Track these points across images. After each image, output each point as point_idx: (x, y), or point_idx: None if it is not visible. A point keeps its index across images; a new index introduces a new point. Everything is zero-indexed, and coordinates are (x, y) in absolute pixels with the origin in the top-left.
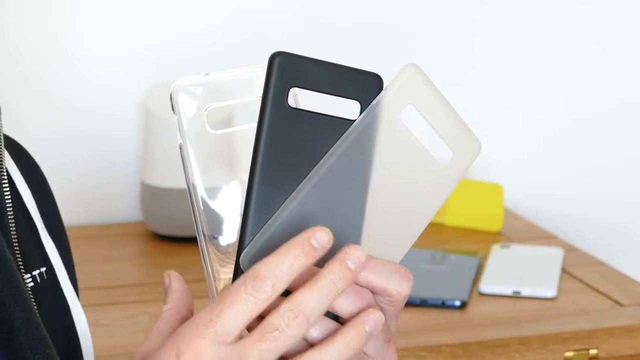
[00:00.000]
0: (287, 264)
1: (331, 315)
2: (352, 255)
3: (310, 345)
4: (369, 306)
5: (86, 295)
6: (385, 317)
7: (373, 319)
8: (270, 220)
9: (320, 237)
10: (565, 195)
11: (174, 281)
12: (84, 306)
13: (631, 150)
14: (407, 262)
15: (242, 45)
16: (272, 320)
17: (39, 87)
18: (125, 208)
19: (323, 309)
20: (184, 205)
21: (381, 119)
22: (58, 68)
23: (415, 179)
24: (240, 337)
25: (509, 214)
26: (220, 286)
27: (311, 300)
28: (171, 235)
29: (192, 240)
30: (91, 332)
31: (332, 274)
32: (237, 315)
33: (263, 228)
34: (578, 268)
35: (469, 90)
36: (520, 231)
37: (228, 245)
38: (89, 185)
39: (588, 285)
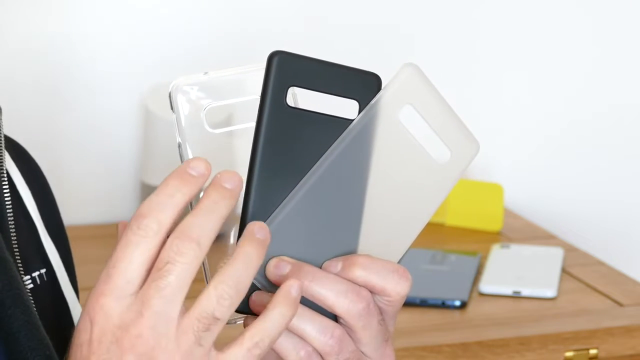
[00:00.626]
0: (166, 195)
1: (331, 315)
2: (224, 176)
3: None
4: (367, 305)
5: (86, 296)
6: (383, 316)
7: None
8: (268, 219)
9: (195, 165)
10: (565, 195)
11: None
12: (83, 307)
13: (631, 150)
14: (407, 262)
15: (242, 45)
16: (162, 254)
17: (38, 87)
18: (125, 208)
19: (211, 229)
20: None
21: (379, 119)
22: (58, 68)
23: (413, 178)
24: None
25: (509, 214)
26: None
27: (195, 223)
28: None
29: None
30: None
31: (210, 195)
32: (130, 260)
33: None
34: (578, 268)
35: (469, 90)
36: (520, 231)
37: (228, 247)
38: (89, 185)
39: (588, 285)
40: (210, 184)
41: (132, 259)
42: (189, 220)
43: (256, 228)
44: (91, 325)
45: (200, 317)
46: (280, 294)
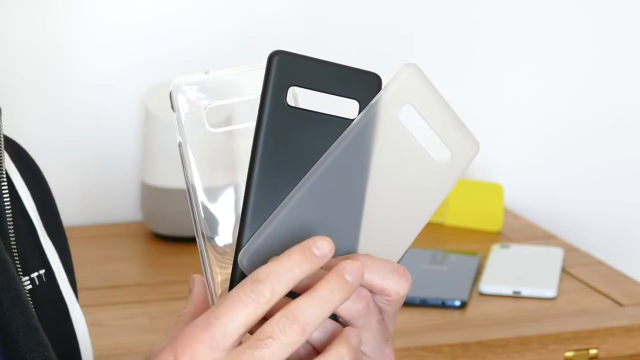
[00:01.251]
0: (286, 269)
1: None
2: (348, 268)
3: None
4: (367, 305)
5: (86, 296)
6: (383, 316)
7: (351, 267)
8: (268, 219)
9: (321, 246)
10: (565, 195)
11: (197, 286)
12: (83, 306)
13: (631, 150)
14: (407, 262)
15: (242, 44)
16: (266, 327)
17: (39, 87)
18: (125, 208)
19: (320, 318)
20: (184, 205)
21: (380, 119)
22: (57, 68)
23: (413, 178)
24: (240, 343)
25: (509, 214)
26: (218, 289)
27: (307, 309)
28: (171, 235)
29: (192, 240)
30: (91, 332)
31: (329, 284)
32: (235, 319)
33: (261, 227)
34: (578, 268)
35: (469, 91)
36: (520, 231)
37: (225, 246)
38: (89, 185)
39: (588, 285)
40: (333, 271)
41: (236, 317)
42: (302, 303)
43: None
44: None
45: None
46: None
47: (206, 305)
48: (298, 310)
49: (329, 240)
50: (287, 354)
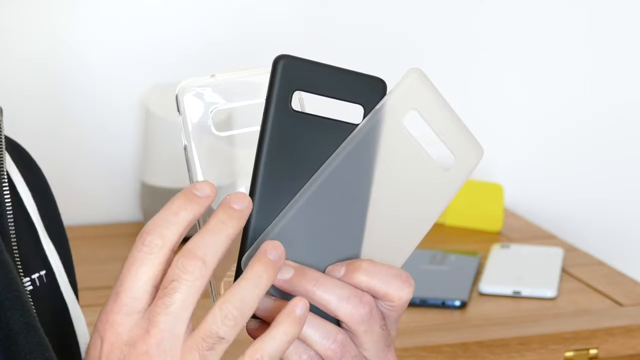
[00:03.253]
0: (171, 213)
1: (334, 320)
2: (233, 198)
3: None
4: (370, 310)
5: (86, 295)
6: (385, 321)
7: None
8: (272, 223)
9: (201, 187)
10: (565, 195)
11: None
12: (83, 306)
13: (631, 150)
14: (407, 262)
15: (243, 44)
16: (168, 273)
17: (39, 87)
18: (125, 208)
19: (217, 248)
20: None
21: (384, 124)
22: (58, 68)
23: (417, 183)
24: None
25: (509, 214)
26: (222, 288)
27: (201, 242)
28: None
29: None
30: (90, 332)
31: (217, 215)
32: (136, 278)
33: (264, 232)
34: (578, 268)
35: (470, 91)
36: (520, 231)
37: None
38: (89, 185)
39: (588, 285)
40: (219, 205)
41: (138, 277)
42: (195, 239)
43: (269, 248)
44: (101, 342)
45: (205, 337)
46: (285, 312)
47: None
48: (193, 246)
49: (208, 182)
50: (198, 292)
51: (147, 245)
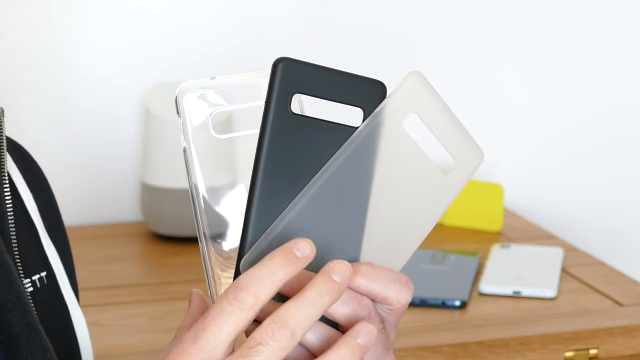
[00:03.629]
0: (268, 272)
1: (331, 323)
2: (336, 269)
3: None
4: (369, 314)
5: (86, 296)
6: (384, 325)
7: (366, 331)
8: (271, 226)
9: (302, 247)
10: (565, 195)
11: (195, 300)
12: (83, 306)
13: (631, 150)
14: (407, 262)
15: (243, 45)
16: (256, 334)
17: (39, 87)
18: (125, 208)
19: (309, 321)
20: (184, 205)
21: (384, 127)
22: (58, 68)
23: (417, 186)
24: (233, 350)
25: (509, 214)
26: (221, 290)
27: (296, 313)
28: (171, 235)
29: (192, 241)
30: (91, 332)
31: (317, 286)
32: (221, 329)
33: (264, 234)
34: (578, 268)
35: (469, 91)
36: (520, 231)
37: (230, 250)
38: (89, 185)
39: (588, 285)
40: (320, 272)
41: (222, 328)
42: (290, 307)
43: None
44: None
45: None
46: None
47: None
48: (287, 314)
49: (309, 241)
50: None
51: (240, 302)
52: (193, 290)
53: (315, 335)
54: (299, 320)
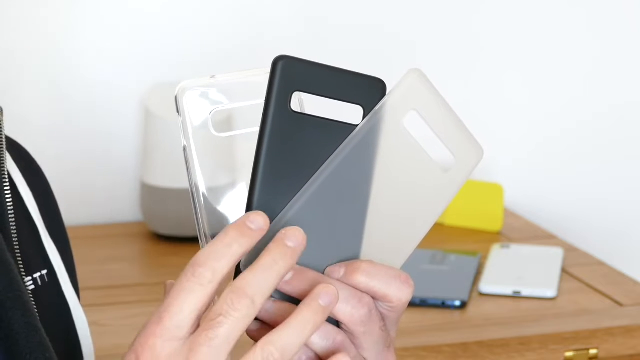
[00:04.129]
0: (223, 246)
1: (333, 321)
2: (289, 235)
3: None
4: (369, 311)
5: (86, 295)
6: (385, 322)
7: (326, 292)
8: (271, 225)
9: (254, 219)
10: (565, 195)
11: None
12: (84, 306)
13: (631, 150)
14: (407, 262)
15: (243, 45)
16: (216, 306)
17: (39, 87)
18: (125, 208)
19: (267, 288)
20: (184, 205)
21: (384, 124)
22: (58, 68)
23: (417, 184)
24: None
25: (509, 214)
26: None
27: (253, 281)
28: (171, 235)
29: (192, 240)
30: (91, 332)
31: (271, 253)
32: (183, 307)
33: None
34: (578, 268)
35: (469, 91)
36: (520, 231)
37: None
38: (89, 185)
39: (588, 285)
40: (274, 240)
41: (184, 305)
42: (246, 276)
43: (322, 292)
44: None
45: None
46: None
47: None
48: (244, 283)
49: (261, 213)
50: (242, 330)
51: (198, 277)
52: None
53: (316, 333)
54: (257, 287)
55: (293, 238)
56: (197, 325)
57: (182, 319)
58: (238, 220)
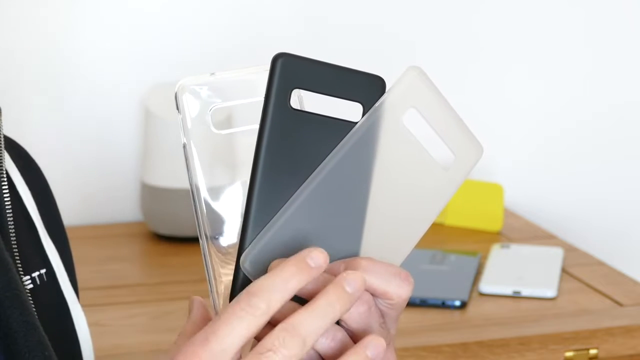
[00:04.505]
0: (281, 281)
1: None
2: (349, 279)
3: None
4: (369, 308)
5: (86, 295)
6: (385, 319)
7: (375, 344)
8: (271, 222)
9: (315, 256)
10: (565, 195)
11: (196, 307)
12: (84, 306)
13: (631, 150)
14: (407, 262)
15: (243, 45)
16: (267, 340)
17: (39, 87)
18: (125, 208)
19: (320, 330)
20: (184, 205)
21: (383, 122)
22: (58, 68)
23: (416, 182)
24: (240, 357)
25: (509, 214)
26: (221, 287)
27: (307, 321)
28: (171, 235)
29: (192, 240)
30: (91, 332)
31: (329, 295)
32: (232, 333)
33: (263, 230)
34: (578, 268)
35: (470, 91)
36: (520, 231)
37: (229, 246)
38: (89, 185)
39: (588, 285)
40: (333, 282)
41: (233, 331)
42: (302, 315)
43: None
44: None
45: None
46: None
47: (205, 325)
48: (298, 322)
49: (323, 251)
50: None
51: (252, 307)
52: (193, 297)
53: None
54: (310, 328)
55: (352, 283)
56: (239, 355)
57: (229, 344)
58: (298, 255)
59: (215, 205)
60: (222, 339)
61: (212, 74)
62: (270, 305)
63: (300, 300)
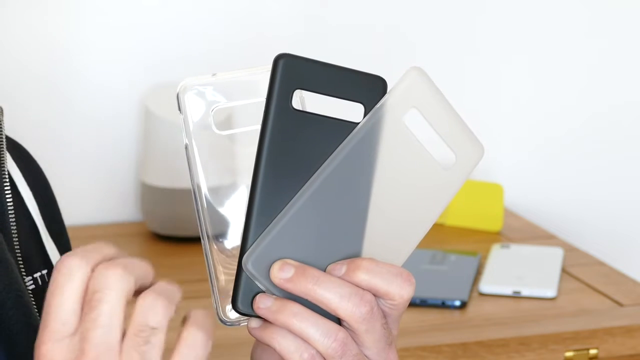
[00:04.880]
0: (90, 246)
1: (334, 318)
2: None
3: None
4: (371, 309)
5: None
6: (387, 320)
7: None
8: (273, 222)
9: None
10: (566, 196)
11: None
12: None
13: (631, 150)
14: (407, 262)
15: (243, 45)
16: (89, 286)
17: (39, 87)
18: (125, 208)
19: (135, 260)
20: (184, 205)
21: (385, 122)
22: (58, 68)
23: (418, 182)
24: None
25: (509, 214)
26: (222, 291)
27: (121, 253)
28: (171, 235)
29: (192, 240)
30: None
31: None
32: (61, 302)
33: (265, 230)
34: (578, 268)
35: (469, 91)
36: (520, 231)
37: (233, 248)
38: (89, 185)
39: (588, 285)
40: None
41: (62, 300)
42: (110, 252)
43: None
44: None
45: (136, 332)
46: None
47: None
48: (119, 261)
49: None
50: (124, 297)
51: (66, 267)
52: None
53: (318, 330)
54: (125, 258)
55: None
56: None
57: (65, 315)
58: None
59: (217, 205)
60: (57, 313)
61: (214, 74)
62: (85, 258)
63: (294, 297)
